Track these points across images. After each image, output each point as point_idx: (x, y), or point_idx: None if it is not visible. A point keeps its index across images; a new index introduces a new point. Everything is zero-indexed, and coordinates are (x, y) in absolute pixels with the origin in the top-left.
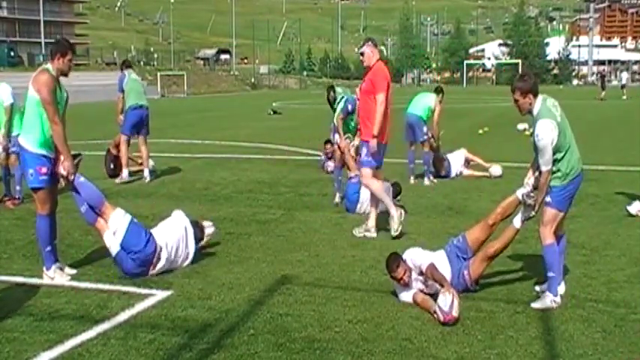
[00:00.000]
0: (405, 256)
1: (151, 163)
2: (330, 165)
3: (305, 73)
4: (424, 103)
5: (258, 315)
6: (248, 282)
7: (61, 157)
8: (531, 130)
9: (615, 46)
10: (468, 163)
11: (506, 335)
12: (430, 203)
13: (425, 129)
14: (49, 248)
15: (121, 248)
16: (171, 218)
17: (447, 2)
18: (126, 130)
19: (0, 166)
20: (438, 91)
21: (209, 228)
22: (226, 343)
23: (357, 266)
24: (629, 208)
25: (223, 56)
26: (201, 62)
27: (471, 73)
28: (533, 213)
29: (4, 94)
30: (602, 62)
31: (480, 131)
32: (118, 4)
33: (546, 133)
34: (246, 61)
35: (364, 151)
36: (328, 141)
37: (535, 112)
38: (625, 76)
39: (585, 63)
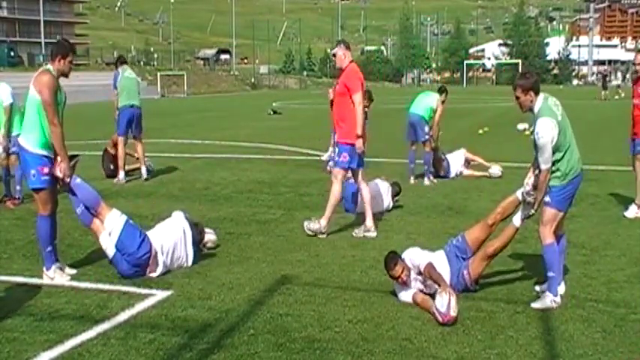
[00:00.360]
0: (404, 255)
1: (148, 162)
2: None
3: (305, 73)
4: (426, 102)
5: (258, 315)
6: (248, 282)
7: (58, 159)
8: (531, 130)
9: (615, 46)
10: (468, 163)
11: (506, 335)
12: (430, 203)
13: (427, 129)
14: (49, 248)
15: (116, 249)
16: (169, 219)
17: (447, 2)
18: (120, 131)
19: (0, 167)
20: (442, 90)
21: (209, 234)
22: (226, 343)
23: (357, 266)
24: (626, 213)
25: (223, 56)
26: (201, 62)
27: (471, 73)
28: (532, 211)
29: (4, 94)
30: (602, 62)
31: (480, 131)
32: (118, 4)
33: (546, 131)
34: (246, 61)
35: (340, 152)
36: None
37: (536, 110)
38: (620, 75)
39: (585, 63)
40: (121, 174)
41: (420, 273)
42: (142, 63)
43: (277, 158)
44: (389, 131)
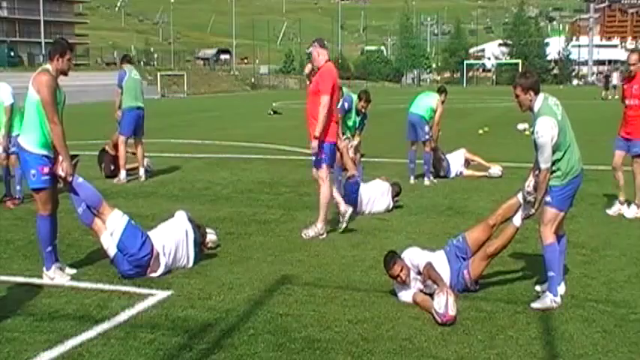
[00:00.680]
0: (403, 254)
1: (147, 161)
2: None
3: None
4: (426, 102)
5: (258, 315)
6: (248, 282)
7: (60, 158)
8: (531, 130)
9: (615, 46)
10: (467, 163)
11: (506, 335)
12: (430, 203)
13: (427, 129)
14: (49, 248)
15: (117, 249)
16: (172, 220)
17: (447, 2)
18: (124, 132)
19: (0, 167)
20: (441, 90)
21: (210, 235)
22: (226, 343)
23: (357, 266)
24: (625, 214)
25: (223, 56)
26: (201, 62)
27: (471, 73)
28: (532, 211)
29: (4, 94)
30: (602, 62)
31: (480, 131)
32: (118, 4)
33: (546, 130)
34: (246, 61)
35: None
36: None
37: (536, 109)
38: (616, 75)
39: (585, 63)
40: (123, 173)
41: (419, 273)
42: (142, 63)
43: (277, 158)
44: (389, 131)
